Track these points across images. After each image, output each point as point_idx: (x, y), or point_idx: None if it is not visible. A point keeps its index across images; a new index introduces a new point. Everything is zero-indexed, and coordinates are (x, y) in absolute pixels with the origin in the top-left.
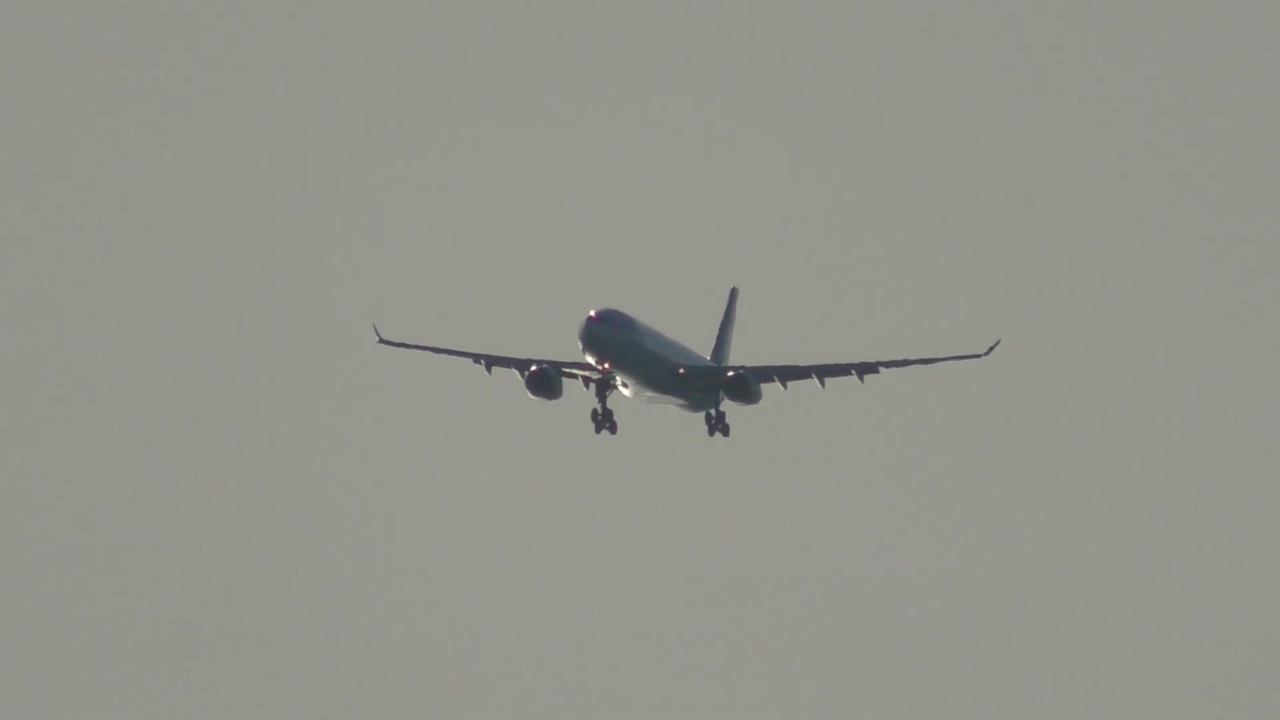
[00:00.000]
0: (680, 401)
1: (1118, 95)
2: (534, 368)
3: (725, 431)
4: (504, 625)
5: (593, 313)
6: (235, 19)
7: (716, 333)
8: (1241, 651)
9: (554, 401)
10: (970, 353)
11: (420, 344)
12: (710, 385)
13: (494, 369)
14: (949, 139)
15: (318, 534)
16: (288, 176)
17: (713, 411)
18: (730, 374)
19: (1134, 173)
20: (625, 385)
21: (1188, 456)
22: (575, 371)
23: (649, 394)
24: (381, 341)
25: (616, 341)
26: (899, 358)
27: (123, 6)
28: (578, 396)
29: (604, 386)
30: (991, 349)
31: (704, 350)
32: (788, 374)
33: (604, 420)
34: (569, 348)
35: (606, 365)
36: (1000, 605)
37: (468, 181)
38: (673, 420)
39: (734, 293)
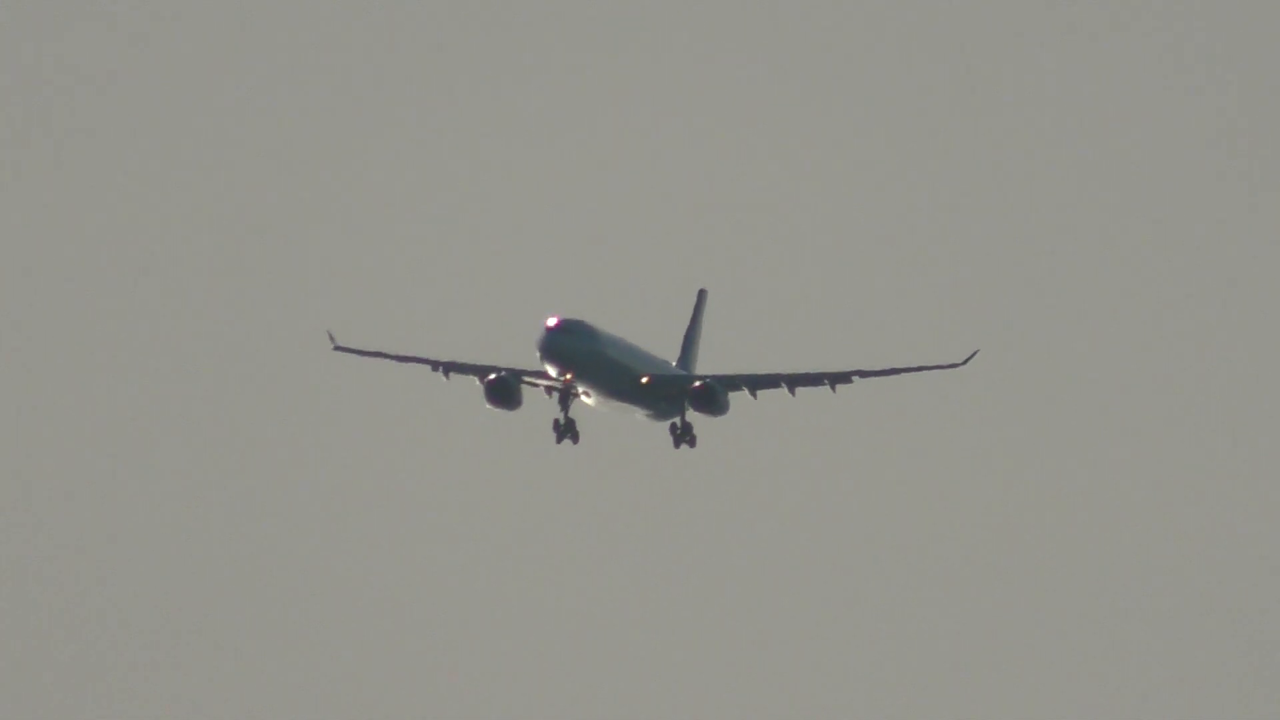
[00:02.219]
0: (645, 411)
1: (1100, 105)
2: (492, 376)
3: (692, 442)
4: (463, 639)
5: (551, 321)
6: (185, 23)
7: (683, 337)
8: (1225, 661)
9: (514, 411)
10: (947, 362)
11: (376, 350)
12: (676, 395)
13: (452, 376)
14: (926, 142)
15: (270, 545)
16: (242, 181)
17: (678, 421)
18: (696, 384)
19: (1115, 182)
20: (588, 394)
21: (1167, 464)
22: (536, 380)
23: (612, 403)
24: (337, 348)
25: (577, 351)
26: (874, 366)
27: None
28: (539, 404)
29: (566, 395)
30: (969, 358)
31: (670, 355)
32: (757, 383)
33: (566, 430)
34: (529, 354)
35: (568, 376)
36: (974, 617)
37: (425, 184)
38: (637, 430)
39: (702, 295)
